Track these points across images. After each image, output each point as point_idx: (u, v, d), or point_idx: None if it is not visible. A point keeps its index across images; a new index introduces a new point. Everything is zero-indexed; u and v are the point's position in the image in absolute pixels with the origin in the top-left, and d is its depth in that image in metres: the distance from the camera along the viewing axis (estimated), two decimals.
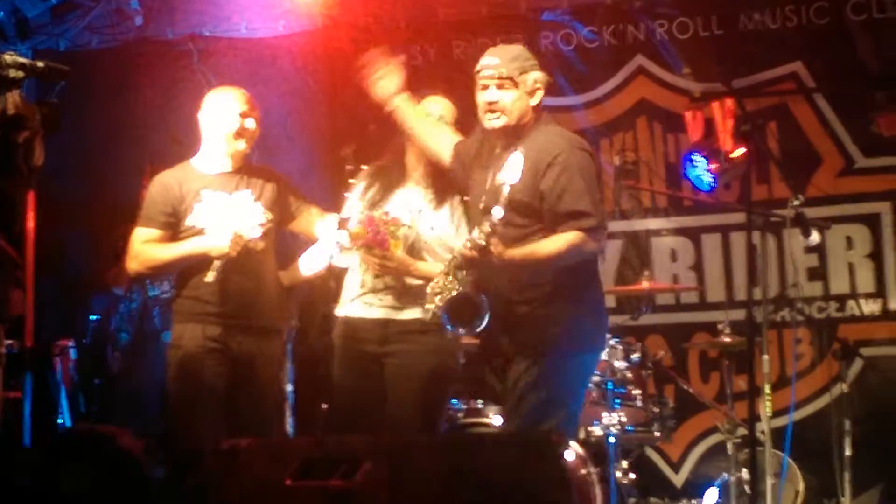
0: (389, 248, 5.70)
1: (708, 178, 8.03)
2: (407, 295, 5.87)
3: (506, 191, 5.21)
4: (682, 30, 8.93)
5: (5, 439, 5.38)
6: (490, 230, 5.15)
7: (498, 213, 5.15)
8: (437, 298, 5.30)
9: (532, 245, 5.38)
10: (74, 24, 9.38)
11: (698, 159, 8.04)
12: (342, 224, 5.74)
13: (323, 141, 9.01)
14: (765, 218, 6.97)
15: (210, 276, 5.97)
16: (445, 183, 6.00)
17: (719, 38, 8.88)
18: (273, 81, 9.00)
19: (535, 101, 5.53)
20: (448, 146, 5.95)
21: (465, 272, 5.28)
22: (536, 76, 5.53)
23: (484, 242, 5.14)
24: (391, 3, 9.20)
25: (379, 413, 5.84)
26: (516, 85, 5.49)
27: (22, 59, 5.33)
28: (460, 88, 9.04)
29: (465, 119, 6.09)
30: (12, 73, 5.24)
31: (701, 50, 8.85)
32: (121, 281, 8.22)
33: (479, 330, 5.29)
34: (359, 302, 5.96)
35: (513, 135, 5.52)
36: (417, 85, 9.19)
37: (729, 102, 8.15)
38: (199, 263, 6.05)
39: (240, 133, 6.21)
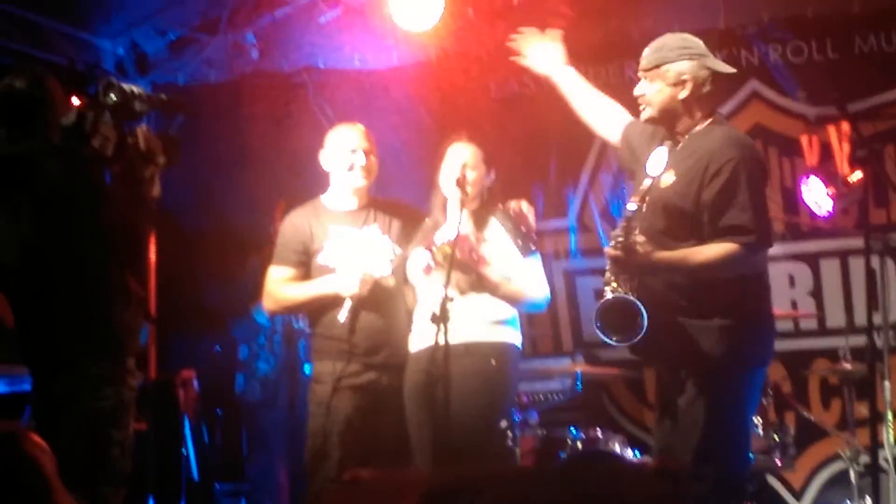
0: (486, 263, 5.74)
1: (826, 203, 7.95)
2: None
3: (646, 183, 5.11)
4: (796, 53, 8.86)
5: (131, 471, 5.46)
6: (627, 227, 5.04)
7: (632, 207, 5.05)
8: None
9: (685, 250, 5.17)
10: (192, 58, 9.52)
11: (815, 184, 7.96)
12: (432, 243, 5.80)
13: (436, 172, 9.05)
14: (883, 242, 6.89)
15: (342, 316, 6.08)
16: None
17: (834, 62, 8.77)
18: (387, 113, 9.07)
19: (683, 94, 5.26)
20: (617, 125, 5.80)
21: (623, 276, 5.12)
22: (681, 68, 5.25)
23: (623, 241, 5.02)
24: (503, 32, 9.22)
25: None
26: (658, 76, 5.31)
27: (146, 92, 5.44)
28: (572, 117, 9.18)
29: None
30: (138, 105, 5.35)
31: (816, 73, 8.76)
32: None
33: (635, 339, 5.07)
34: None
35: (670, 129, 5.35)
36: (531, 111, 9.32)
37: (845, 126, 8.06)
38: (332, 302, 6.13)
39: (359, 169, 6.28)
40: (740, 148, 5.23)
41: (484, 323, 6.18)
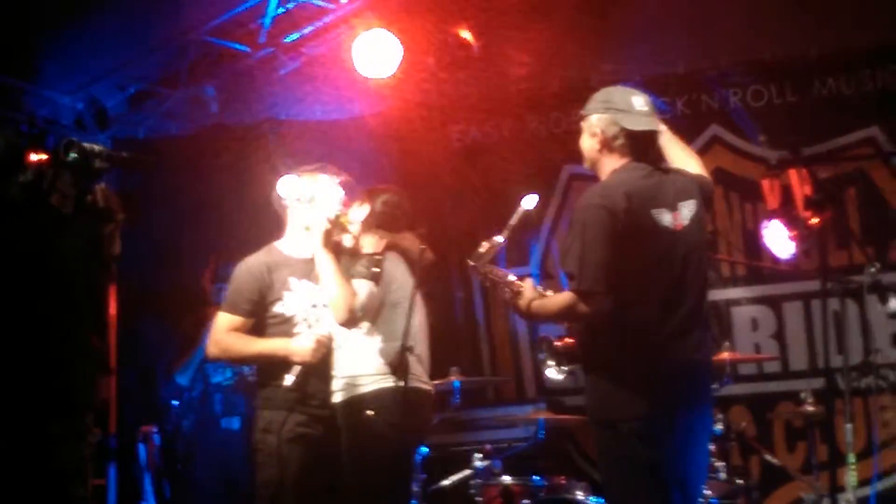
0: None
1: (787, 247, 7.98)
2: None
3: (513, 220, 5.42)
4: (756, 97, 8.93)
5: None
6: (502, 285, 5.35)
7: (498, 240, 5.39)
8: None
9: (543, 299, 5.36)
10: (152, 111, 9.51)
11: (777, 227, 7.99)
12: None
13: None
14: (844, 285, 6.91)
15: (288, 381, 6.02)
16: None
17: (794, 105, 8.87)
18: (348, 163, 8.96)
19: (596, 145, 5.37)
20: None
21: None
22: (593, 120, 5.38)
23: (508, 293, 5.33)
24: (463, 81, 9.27)
25: None
26: (585, 126, 5.44)
27: (107, 150, 5.43)
28: (536, 163, 9.22)
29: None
30: (98, 163, 5.33)
31: (776, 117, 8.83)
32: (178, 369, 8.32)
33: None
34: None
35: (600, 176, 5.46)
36: (492, 159, 9.34)
37: (805, 170, 8.10)
38: (281, 359, 6.10)
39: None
40: (588, 196, 5.32)
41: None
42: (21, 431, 5.28)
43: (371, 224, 6.19)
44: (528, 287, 5.40)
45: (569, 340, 5.49)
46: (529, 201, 5.57)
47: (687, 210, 5.35)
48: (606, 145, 5.36)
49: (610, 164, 5.38)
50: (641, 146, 5.39)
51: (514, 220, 5.53)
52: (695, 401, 5.34)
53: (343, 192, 6.20)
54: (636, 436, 5.17)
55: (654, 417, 5.17)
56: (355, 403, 6.03)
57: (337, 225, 6.05)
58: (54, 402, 5.32)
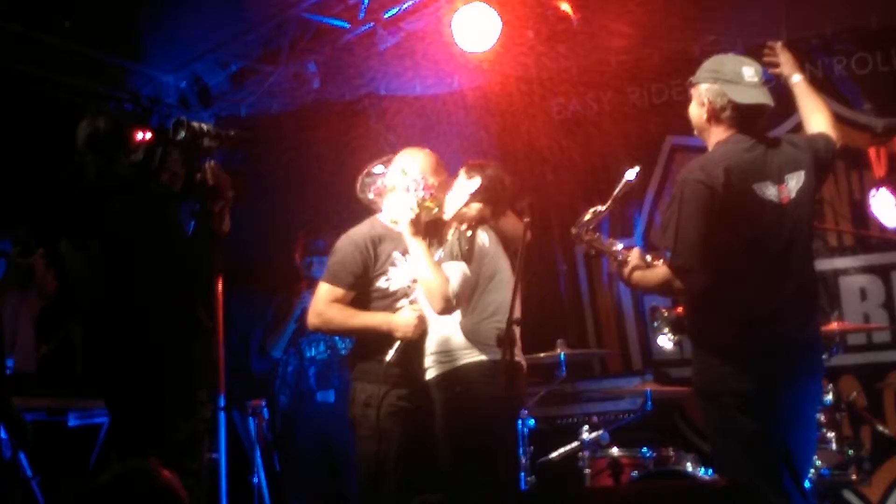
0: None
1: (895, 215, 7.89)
2: None
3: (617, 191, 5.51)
4: (860, 65, 8.79)
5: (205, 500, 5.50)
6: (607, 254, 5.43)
7: (600, 209, 5.52)
8: None
9: (644, 272, 5.40)
10: (254, 89, 9.56)
11: (885, 195, 7.89)
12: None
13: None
14: None
15: (389, 356, 6.03)
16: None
17: None
18: (448, 137, 9.07)
19: (704, 114, 5.40)
20: None
21: None
22: (702, 90, 5.42)
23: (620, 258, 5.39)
24: (563, 55, 9.22)
25: None
26: (693, 94, 5.50)
27: (215, 129, 5.49)
28: (637, 135, 9.16)
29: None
30: (206, 142, 5.41)
31: (881, 84, 8.69)
32: (275, 345, 8.37)
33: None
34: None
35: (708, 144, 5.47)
36: (593, 132, 9.30)
37: None
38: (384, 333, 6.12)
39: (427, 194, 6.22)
40: (688, 171, 5.33)
41: None
42: (137, 405, 5.38)
43: (476, 198, 6.17)
44: (634, 256, 5.40)
45: (678, 311, 5.51)
46: (632, 172, 5.55)
47: (794, 182, 5.30)
48: (714, 116, 5.37)
49: (716, 135, 5.38)
50: (749, 119, 5.37)
51: (617, 191, 5.52)
52: (799, 376, 5.32)
53: (420, 176, 6.17)
54: (739, 409, 5.19)
55: (756, 391, 5.17)
56: (451, 377, 6.03)
57: (423, 209, 6.05)
58: (169, 377, 5.40)
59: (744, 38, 8.86)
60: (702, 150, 5.60)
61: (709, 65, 5.46)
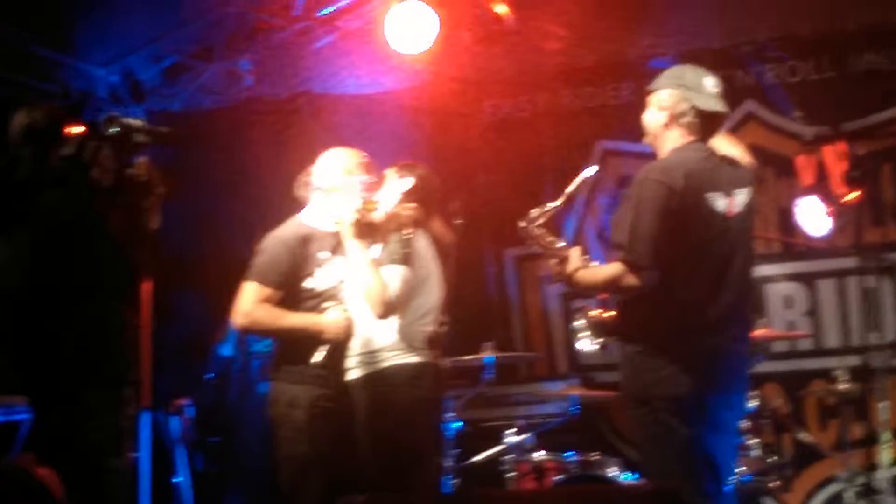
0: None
1: (822, 223, 7.96)
2: None
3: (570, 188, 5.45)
4: (791, 73, 8.88)
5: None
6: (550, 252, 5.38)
7: (552, 204, 5.48)
8: None
9: (591, 269, 5.39)
10: (187, 85, 9.52)
11: (812, 204, 7.97)
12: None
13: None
14: (879, 262, 6.89)
15: (317, 357, 6.01)
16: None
17: (830, 81, 8.81)
18: (382, 137, 9.01)
19: (663, 120, 5.42)
20: None
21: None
22: (663, 95, 5.45)
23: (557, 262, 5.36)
24: (498, 56, 9.24)
25: None
26: (651, 101, 5.51)
27: (147, 125, 5.46)
28: (569, 137, 9.20)
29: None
30: (138, 137, 5.37)
31: (811, 93, 8.78)
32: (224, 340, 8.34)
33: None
34: None
35: (659, 152, 5.49)
36: (526, 134, 9.32)
37: (841, 146, 8.07)
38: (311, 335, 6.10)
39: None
40: (647, 171, 5.35)
41: None
42: (59, 403, 5.34)
43: (409, 198, 6.15)
44: (574, 256, 5.41)
45: (606, 313, 5.51)
46: (591, 170, 5.59)
47: (741, 197, 5.38)
48: (674, 121, 5.41)
49: (673, 141, 5.42)
50: (708, 127, 5.43)
51: (571, 188, 5.54)
52: (731, 385, 5.39)
53: (365, 177, 6.17)
54: (672, 414, 5.21)
55: (690, 398, 5.20)
56: (376, 378, 6.01)
57: (366, 212, 6.04)
58: (92, 375, 5.36)
59: (677, 44, 8.96)
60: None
61: (670, 73, 5.52)
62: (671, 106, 5.39)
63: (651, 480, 5.40)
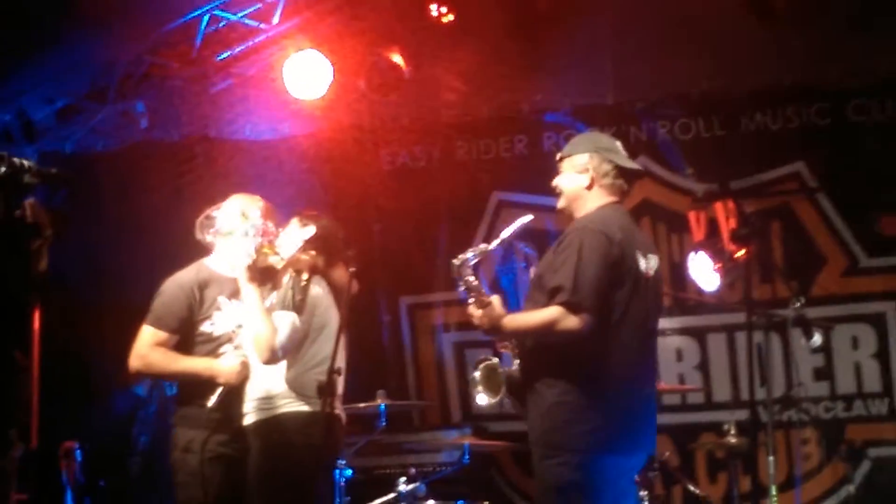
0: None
1: (712, 278, 8.05)
2: None
3: (506, 232, 5.44)
4: (684, 130, 9.02)
5: None
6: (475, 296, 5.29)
7: (486, 247, 5.49)
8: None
9: (524, 312, 5.35)
10: (80, 126, 9.42)
11: (702, 259, 8.06)
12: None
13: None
14: (768, 318, 6.98)
15: (211, 401, 5.96)
16: None
17: (721, 139, 8.97)
18: (279, 183, 9.02)
19: (585, 181, 5.43)
20: None
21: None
22: (584, 158, 5.46)
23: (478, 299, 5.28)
24: (395, 104, 9.27)
25: None
26: (568, 165, 5.51)
27: (37, 166, 5.38)
28: (465, 187, 9.24)
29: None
30: (27, 178, 5.29)
31: (703, 150, 8.93)
32: (141, 380, 8.21)
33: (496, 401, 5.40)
34: None
35: (577, 214, 5.50)
36: (422, 182, 9.34)
37: (730, 203, 8.18)
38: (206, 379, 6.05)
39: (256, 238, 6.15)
40: (584, 221, 5.38)
41: None
42: None
43: (309, 247, 6.12)
44: (497, 302, 5.39)
45: (512, 370, 5.48)
46: (528, 217, 5.60)
47: (654, 262, 5.43)
48: (596, 182, 5.44)
49: (594, 202, 5.45)
50: (628, 185, 5.50)
51: (507, 234, 5.53)
52: (644, 445, 5.43)
53: (261, 222, 6.14)
54: (582, 468, 5.17)
55: (602, 452, 5.19)
56: (271, 424, 5.95)
57: (260, 255, 6.01)
58: None
59: (571, 98, 9.07)
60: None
61: (583, 138, 5.62)
62: (594, 167, 5.43)
63: None
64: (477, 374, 5.56)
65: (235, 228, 6.16)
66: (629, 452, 5.33)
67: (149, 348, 6.13)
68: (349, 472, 7.30)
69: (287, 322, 5.88)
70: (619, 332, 5.23)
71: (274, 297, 6.04)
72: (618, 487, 5.32)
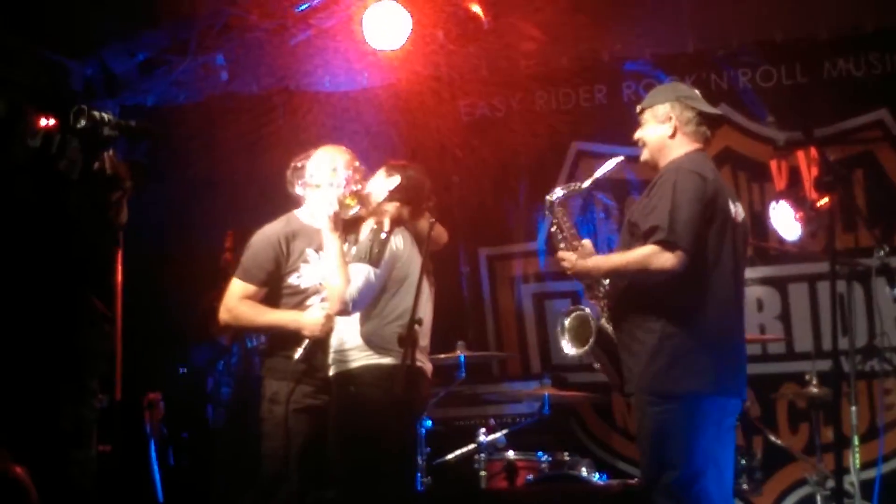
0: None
1: (794, 228, 7.97)
2: None
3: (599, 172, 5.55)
4: (765, 78, 8.91)
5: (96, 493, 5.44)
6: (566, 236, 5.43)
7: (580, 185, 5.65)
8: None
9: (614, 254, 5.44)
10: (161, 79, 9.47)
11: (784, 208, 7.98)
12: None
13: None
14: (850, 267, 6.91)
15: (298, 354, 6.01)
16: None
17: (803, 86, 8.84)
18: (357, 135, 9.03)
19: (668, 130, 5.49)
20: None
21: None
22: (666, 108, 5.52)
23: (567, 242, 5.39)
24: (473, 55, 9.23)
25: None
26: (649, 117, 5.58)
27: (116, 119, 5.43)
28: (544, 138, 9.20)
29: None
30: (107, 131, 5.34)
31: (785, 98, 8.81)
32: (226, 331, 8.27)
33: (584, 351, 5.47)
34: None
35: (662, 163, 5.53)
36: (501, 133, 9.31)
37: (814, 151, 8.08)
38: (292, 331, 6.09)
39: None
40: (678, 163, 5.42)
41: None
42: (24, 392, 5.30)
43: (395, 197, 6.12)
44: (588, 245, 5.47)
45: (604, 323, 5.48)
46: (617, 159, 5.68)
47: (740, 209, 5.48)
48: (679, 130, 5.50)
49: (679, 151, 5.49)
50: (710, 133, 5.56)
51: (600, 173, 5.58)
52: (741, 389, 5.48)
53: (347, 173, 6.16)
54: (689, 413, 5.23)
55: (709, 396, 5.25)
56: (346, 377, 6.01)
57: (343, 206, 6.02)
58: (58, 364, 5.33)
59: (651, 47, 8.99)
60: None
61: (662, 88, 5.70)
62: (676, 116, 5.48)
63: (651, 480, 5.33)
64: (567, 321, 5.57)
65: (323, 179, 6.19)
66: (733, 392, 5.39)
67: (237, 301, 6.24)
68: (429, 422, 7.37)
69: (361, 274, 5.89)
70: (713, 275, 5.26)
71: (356, 249, 6.07)
72: (721, 428, 5.36)
